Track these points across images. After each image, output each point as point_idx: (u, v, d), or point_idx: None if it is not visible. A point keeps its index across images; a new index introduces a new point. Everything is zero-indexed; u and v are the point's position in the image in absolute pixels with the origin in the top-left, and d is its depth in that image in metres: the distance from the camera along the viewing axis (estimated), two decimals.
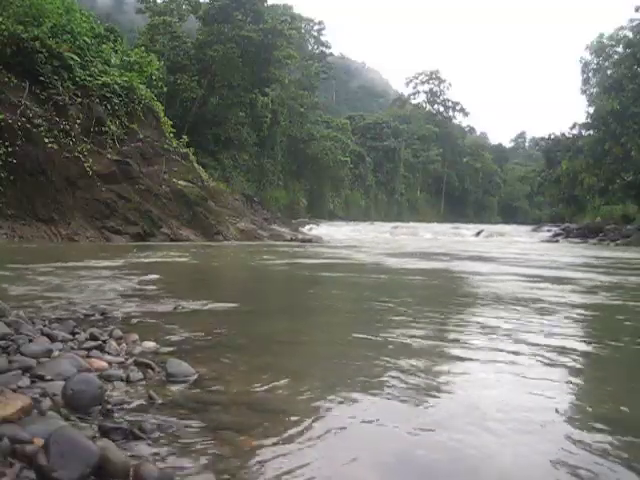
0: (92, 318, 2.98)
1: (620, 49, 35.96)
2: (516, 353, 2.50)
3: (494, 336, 2.90)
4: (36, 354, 1.96)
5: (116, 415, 1.53)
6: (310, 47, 52.01)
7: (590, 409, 1.82)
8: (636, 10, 34.17)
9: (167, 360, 2.07)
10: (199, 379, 1.94)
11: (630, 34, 35.16)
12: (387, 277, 6.53)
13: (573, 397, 1.99)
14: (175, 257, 8.89)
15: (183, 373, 1.96)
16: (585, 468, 1.33)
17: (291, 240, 16.85)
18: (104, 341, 2.36)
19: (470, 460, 1.36)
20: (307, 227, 25.09)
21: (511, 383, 2.07)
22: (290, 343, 2.73)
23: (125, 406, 1.62)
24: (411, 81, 77.50)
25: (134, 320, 3.01)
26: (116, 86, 14.34)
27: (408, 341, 2.72)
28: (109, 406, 1.58)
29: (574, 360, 2.44)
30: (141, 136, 14.65)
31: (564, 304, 4.24)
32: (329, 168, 46.03)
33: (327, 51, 54.15)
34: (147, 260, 7.89)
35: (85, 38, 14.40)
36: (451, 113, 76.62)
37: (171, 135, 16.84)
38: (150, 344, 2.41)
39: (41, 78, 12.49)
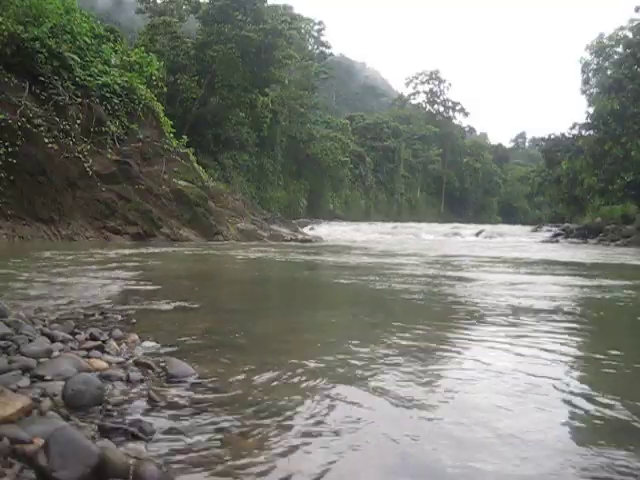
0: (92, 318, 2.98)
1: (620, 49, 35.88)
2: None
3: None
4: (36, 354, 1.95)
5: (116, 415, 1.53)
6: (310, 47, 51.93)
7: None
8: (636, 10, 34.15)
9: (167, 360, 2.07)
10: (199, 379, 1.94)
11: (630, 34, 35.09)
12: (386, 277, 6.52)
13: None
14: (174, 257, 8.88)
15: (183, 373, 1.96)
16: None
17: (291, 240, 16.84)
18: (104, 341, 2.36)
19: None
20: (307, 227, 25.08)
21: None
22: (290, 342, 2.73)
23: (125, 406, 1.61)
24: (411, 81, 77.50)
25: (134, 320, 3.01)
26: (116, 86, 14.34)
27: (409, 341, 2.72)
28: (109, 406, 1.58)
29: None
30: (141, 136, 14.64)
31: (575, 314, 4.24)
32: (329, 168, 45.99)
33: (327, 51, 54.17)
34: (147, 259, 7.89)
35: (85, 38, 14.40)
36: (451, 113, 76.56)
37: (171, 135, 16.83)
38: (150, 344, 2.41)
39: (41, 78, 12.48)
